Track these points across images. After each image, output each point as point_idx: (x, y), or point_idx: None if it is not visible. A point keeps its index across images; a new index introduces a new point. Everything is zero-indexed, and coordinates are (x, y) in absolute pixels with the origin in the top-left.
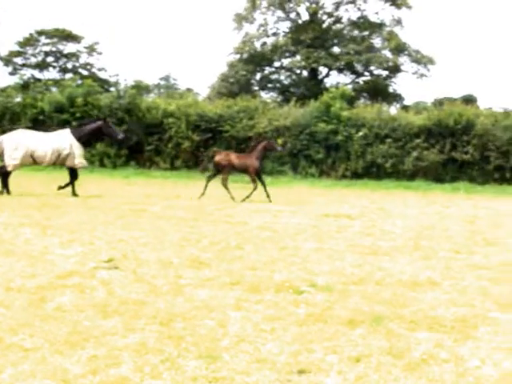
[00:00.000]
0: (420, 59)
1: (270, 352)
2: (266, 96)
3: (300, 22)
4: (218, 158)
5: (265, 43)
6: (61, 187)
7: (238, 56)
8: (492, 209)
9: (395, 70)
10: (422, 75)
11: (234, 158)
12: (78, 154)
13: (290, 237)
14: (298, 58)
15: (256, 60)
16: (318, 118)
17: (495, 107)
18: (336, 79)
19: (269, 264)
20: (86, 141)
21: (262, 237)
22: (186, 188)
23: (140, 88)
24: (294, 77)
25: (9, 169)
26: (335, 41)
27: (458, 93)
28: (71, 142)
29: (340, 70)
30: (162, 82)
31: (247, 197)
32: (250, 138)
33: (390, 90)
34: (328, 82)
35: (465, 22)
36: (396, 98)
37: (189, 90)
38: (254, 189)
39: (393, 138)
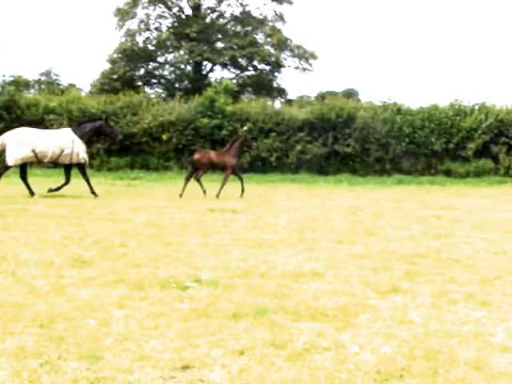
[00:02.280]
0: (302, 54)
1: (153, 349)
2: (150, 91)
3: (183, 16)
4: (197, 156)
5: (148, 38)
6: (54, 189)
7: (120, 52)
8: (373, 200)
9: (278, 64)
10: (304, 70)
11: (213, 155)
12: (81, 150)
13: (175, 232)
14: (182, 52)
15: (139, 56)
16: (203, 113)
17: (375, 101)
18: (220, 74)
19: (153, 260)
20: (87, 140)
21: (146, 233)
22: (69, 186)
23: (19, 84)
24: (178, 72)
25: (10, 163)
26: (219, 36)
27: (340, 87)
28: (73, 138)
29: (224, 65)
30: (43, 78)
31: (219, 192)
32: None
33: (274, 84)
34: (212, 77)
35: (346, 16)
36: (280, 92)
37: (71, 85)
38: (222, 186)
39: (277, 132)
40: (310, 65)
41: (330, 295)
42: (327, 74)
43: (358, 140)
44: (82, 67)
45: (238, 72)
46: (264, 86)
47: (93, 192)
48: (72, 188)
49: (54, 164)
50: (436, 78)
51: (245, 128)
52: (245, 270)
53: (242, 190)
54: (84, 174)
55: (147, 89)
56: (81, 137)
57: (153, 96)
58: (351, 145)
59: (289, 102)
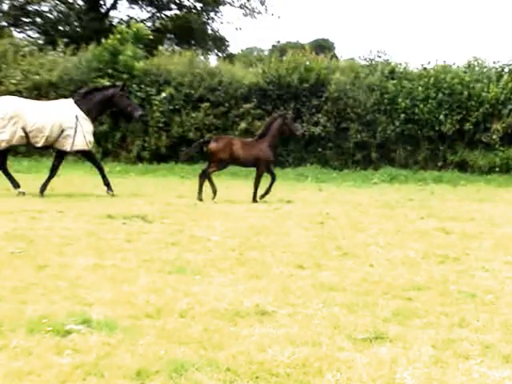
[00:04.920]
0: None
1: None
2: (19, 36)
3: None
4: (213, 145)
5: None
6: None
7: None
8: (351, 204)
9: (214, 1)
10: (253, 10)
11: (237, 147)
12: (87, 130)
13: (55, 250)
14: None
15: None
16: (100, 70)
17: (357, 58)
18: (128, 13)
19: (19, 292)
20: (95, 116)
21: (9, 250)
22: None
23: None
24: (62, 9)
25: None
26: None
27: (308, 37)
28: (77, 114)
29: (133, 0)
30: None
31: (265, 194)
32: None
33: (209, 30)
34: (116, 17)
35: None
36: (217, 43)
37: None
38: (256, 189)
39: (211, 102)
40: (263, 3)
41: (282, 344)
42: (288, 19)
43: (332, 116)
44: None
45: (154, 11)
46: (193, 34)
47: (107, 184)
48: None
49: (46, 149)
50: (446, 26)
51: (163, 95)
52: (157, 306)
53: (267, 192)
54: (95, 162)
55: (15, 32)
56: (87, 112)
57: (24, 43)
58: (321, 123)
59: (230, 57)
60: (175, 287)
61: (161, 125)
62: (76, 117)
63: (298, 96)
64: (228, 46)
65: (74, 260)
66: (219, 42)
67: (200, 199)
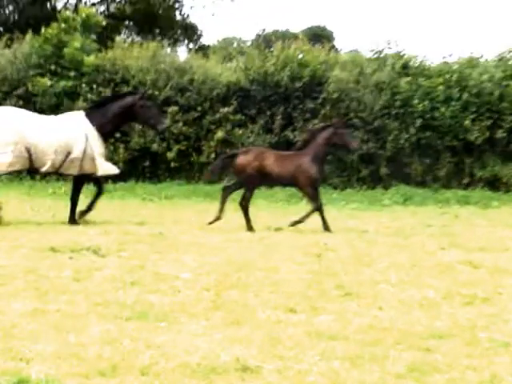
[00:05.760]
0: None
1: None
2: None
3: None
4: (242, 159)
5: None
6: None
7: None
8: (355, 231)
9: None
10: None
11: (271, 160)
12: (98, 153)
13: None
14: None
15: None
16: (41, 66)
17: (362, 49)
18: None
19: None
20: (111, 130)
21: None
22: None
23: None
24: None
25: None
26: None
27: (301, 24)
28: (87, 131)
29: None
30: None
31: (298, 221)
32: None
33: (177, 17)
34: (61, 1)
35: None
36: (188, 32)
37: None
38: (312, 211)
39: (180, 106)
40: None
41: None
42: (276, 2)
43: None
44: None
45: None
46: (157, 21)
47: (73, 218)
48: None
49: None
50: (472, 10)
51: None
52: (112, 361)
53: (324, 223)
54: (75, 192)
55: None
56: (100, 127)
57: None
58: None
59: (204, 50)
60: (135, 337)
61: (117, 135)
62: (86, 136)
63: (289, 98)
64: (201, 35)
65: (9, 304)
66: (190, 31)
67: (218, 218)
